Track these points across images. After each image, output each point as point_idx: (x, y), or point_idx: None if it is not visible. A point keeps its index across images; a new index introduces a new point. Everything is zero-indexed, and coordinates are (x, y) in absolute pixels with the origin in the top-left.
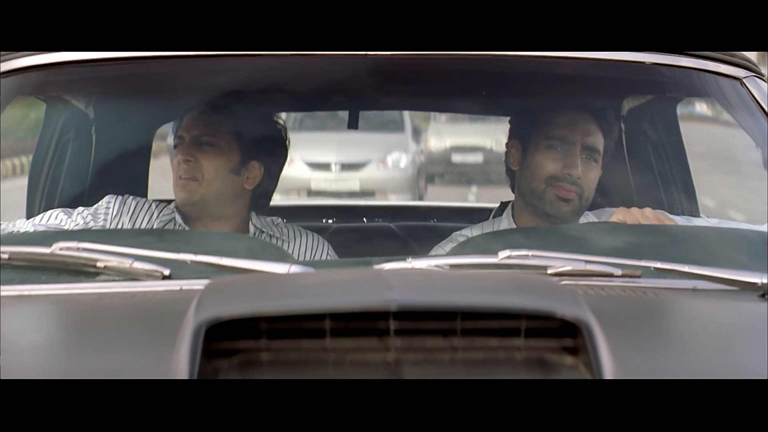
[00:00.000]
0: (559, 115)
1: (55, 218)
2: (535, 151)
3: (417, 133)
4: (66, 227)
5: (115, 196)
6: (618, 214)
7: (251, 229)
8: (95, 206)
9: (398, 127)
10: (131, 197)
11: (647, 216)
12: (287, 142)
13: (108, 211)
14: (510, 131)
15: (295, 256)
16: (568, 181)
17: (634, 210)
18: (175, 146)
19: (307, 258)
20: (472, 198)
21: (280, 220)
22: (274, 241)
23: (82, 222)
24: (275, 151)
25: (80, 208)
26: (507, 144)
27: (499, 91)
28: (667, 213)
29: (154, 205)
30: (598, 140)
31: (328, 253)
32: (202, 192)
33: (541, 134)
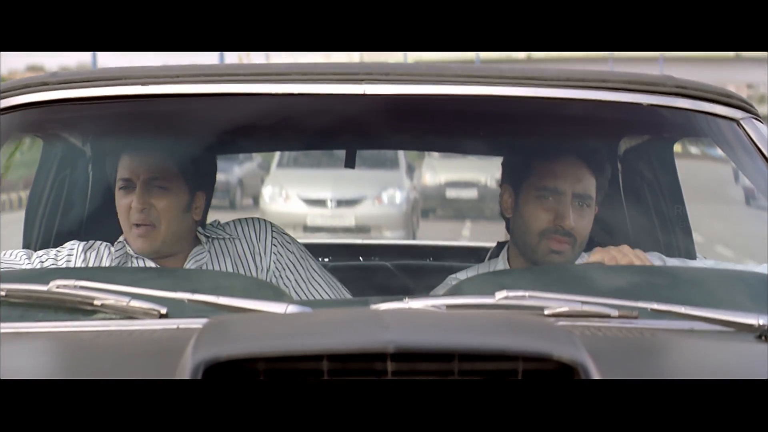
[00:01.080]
0: (549, 163)
1: (17, 257)
2: (526, 201)
3: (411, 170)
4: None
5: (78, 242)
6: (596, 255)
7: (202, 239)
8: (56, 250)
9: (393, 164)
10: (97, 242)
11: (624, 253)
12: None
13: (71, 253)
14: (502, 175)
15: (242, 241)
16: (561, 232)
17: (611, 248)
18: (121, 188)
19: (255, 241)
20: (466, 233)
21: (217, 221)
22: (223, 241)
23: (39, 266)
24: (211, 173)
25: (41, 252)
26: (500, 187)
27: (495, 131)
28: (646, 252)
29: (114, 247)
30: (590, 185)
31: (272, 234)
32: (161, 238)
33: (531, 183)
